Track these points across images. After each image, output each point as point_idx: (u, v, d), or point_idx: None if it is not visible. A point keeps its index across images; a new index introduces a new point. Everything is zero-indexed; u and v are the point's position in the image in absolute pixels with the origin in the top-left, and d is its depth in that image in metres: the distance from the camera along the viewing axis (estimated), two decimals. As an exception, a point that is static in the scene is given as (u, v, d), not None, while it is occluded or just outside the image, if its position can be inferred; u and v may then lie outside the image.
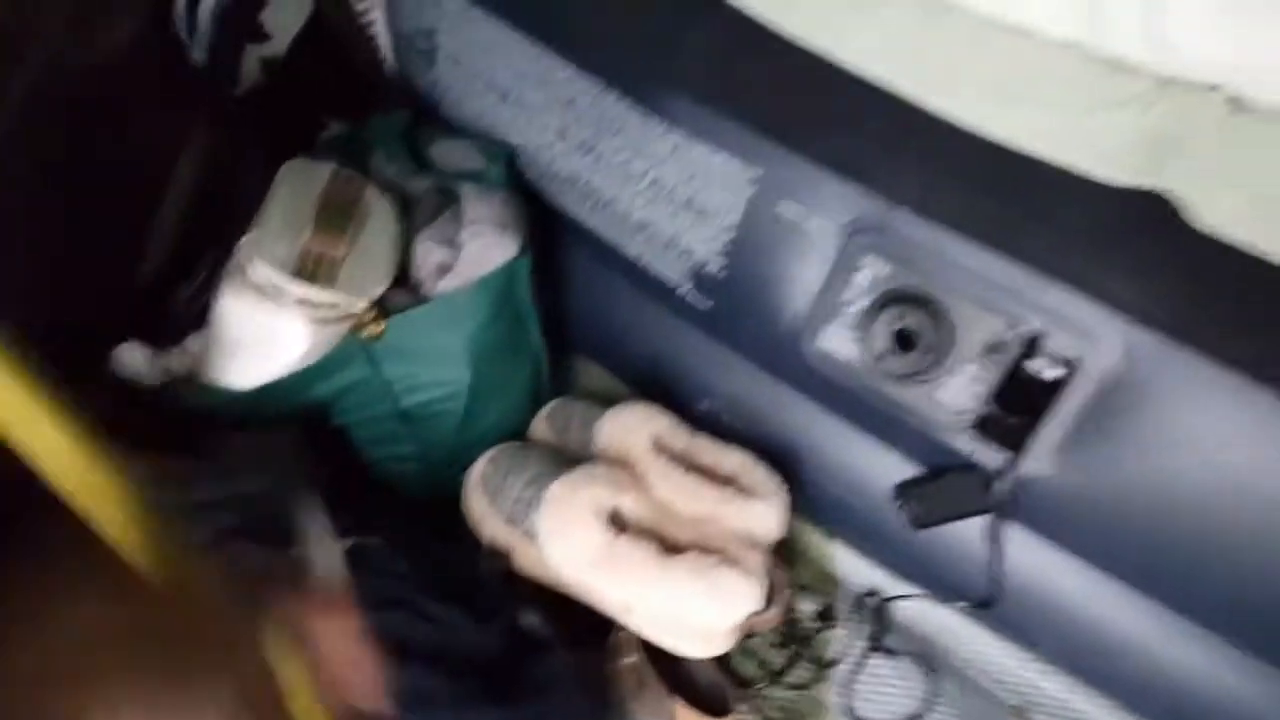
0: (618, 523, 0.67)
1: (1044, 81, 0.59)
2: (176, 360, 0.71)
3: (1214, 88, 0.57)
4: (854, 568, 0.82)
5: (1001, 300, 0.60)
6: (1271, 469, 0.56)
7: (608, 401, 0.76)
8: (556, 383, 0.86)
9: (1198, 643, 0.67)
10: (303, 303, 0.65)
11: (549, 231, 0.79)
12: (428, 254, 0.71)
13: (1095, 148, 0.57)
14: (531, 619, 0.63)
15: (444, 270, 0.70)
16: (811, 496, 0.77)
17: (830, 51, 0.63)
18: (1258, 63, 0.55)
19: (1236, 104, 0.57)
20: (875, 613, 0.79)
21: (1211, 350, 0.55)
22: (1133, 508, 0.60)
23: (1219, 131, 0.56)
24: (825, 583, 0.83)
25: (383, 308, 0.69)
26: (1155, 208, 0.56)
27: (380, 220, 0.71)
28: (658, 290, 0.74)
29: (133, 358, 0.70)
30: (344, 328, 0.67)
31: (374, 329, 0.67)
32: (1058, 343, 0.59)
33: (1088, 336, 0.58)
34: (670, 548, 0.68)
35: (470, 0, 0.72)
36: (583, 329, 0.83)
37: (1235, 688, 0.67)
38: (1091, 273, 0.58)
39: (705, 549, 0.67)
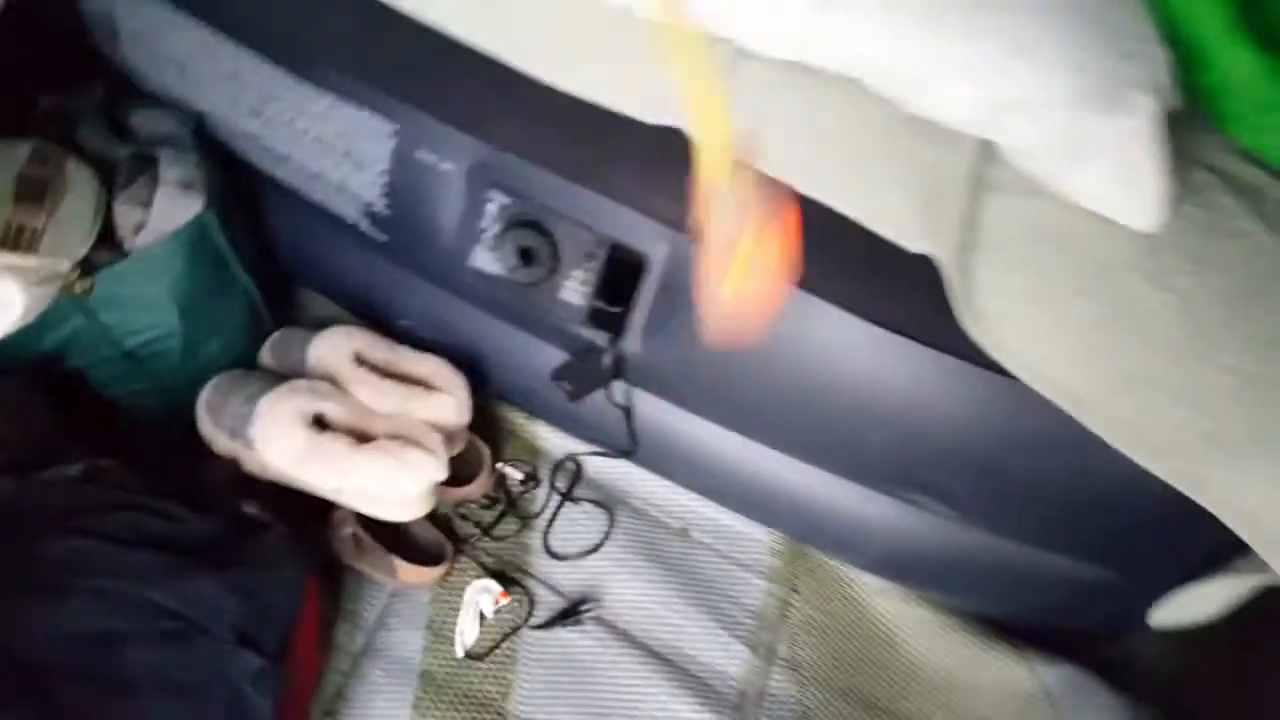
0: (321, 424, 0.83)
1: (600, 41, 0.75)
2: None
3: (725, 40, 0.74)
4: (550, 439, 1.01)
5: (589, 220, 0.77)
6: (788, 338, 0.76)
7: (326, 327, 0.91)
8: (286, 313, 0.99)
9: (791, 466, 0.89)
10: (10, 269, 0.75)
11: (250, 182, 0.91)
12: (126, 215, 0.82)
13: (640, 96, 0.74)
14: (251, 508, 0.79)
15: (141, 228, 0.81)
16: (502, 386, 0.95)
17: (441, 25, 0.76)
18: (748, 21, 0.72)
19: (740, 55, 0.74)
20: (567, 471, 0.99)
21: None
22: (704, 371, 0.81)
23: (729, 77, 0.74)
24: (531, 453, 1.02)
25: (89, 266, 0.80)
26: (684, 141, 0.74)
27: (81, 189, 0.81)
28: (344, 228, 0.87)
29: None
30: (55, 287, 0.78)
31: (83, 285, 0.79)
32: (631, 250, 0.77)
33: (649, 244, 0.76)
34: (371, 439, 0.84)
35: (135, -15, 0.81)
36: (297, 265, 0.96)
37: (823, 494, 0.90)
38: (647, 194, 0.76)
39: (398, 437, 0.84)
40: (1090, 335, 0.65)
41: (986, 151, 0.70)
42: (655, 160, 0.75)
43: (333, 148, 0.81)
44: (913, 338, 0.71)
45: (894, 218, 0.69)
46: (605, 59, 0.75)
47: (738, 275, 0.46)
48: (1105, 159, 0.64)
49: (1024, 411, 0.69)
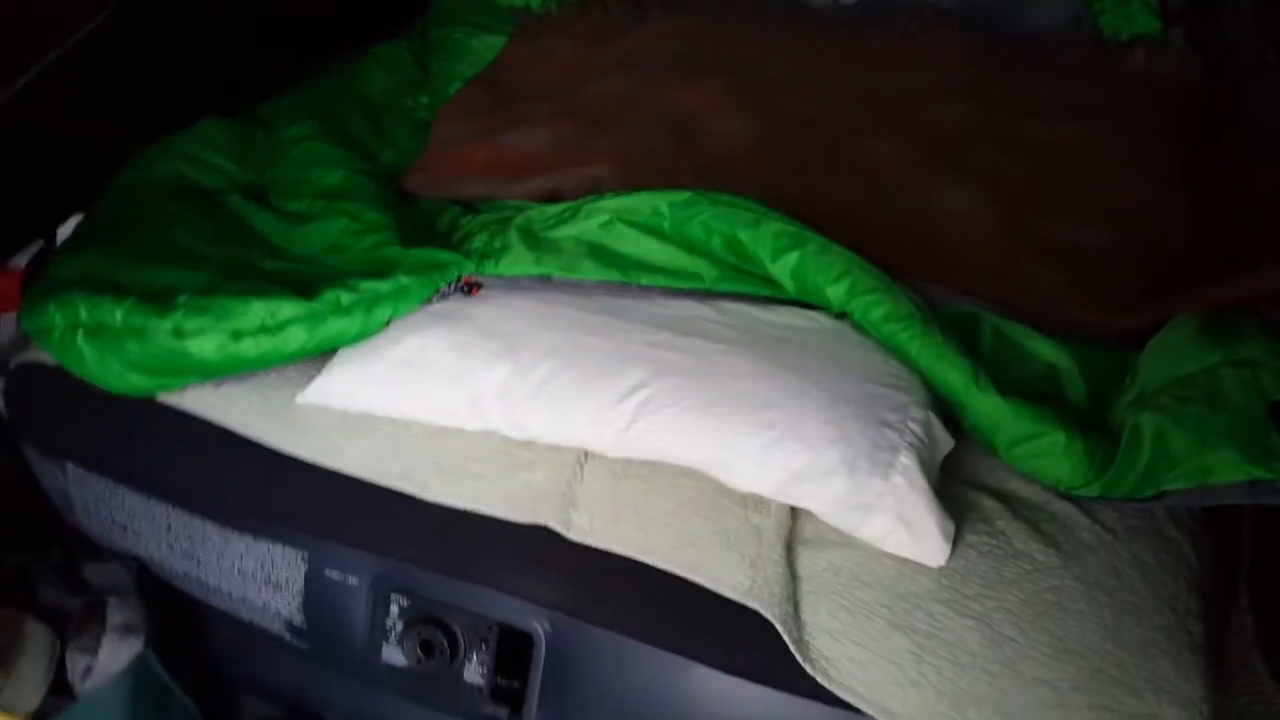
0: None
1: (470, 461, 0.89)
2: None
3: (572, 450, 0.88)
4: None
5: (479, 608, 0.87)
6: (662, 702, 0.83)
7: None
8: (231, 714, 1.06)
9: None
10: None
11: (189, 610, 1.01)
12: (76, 661, 0.92)
13: (507, 501, 0.86)
14: None
15: (89, 672, 0.91)
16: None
17: (341, 468, 0.90)
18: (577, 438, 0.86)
19: (586, 455, 0.88)
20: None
21: (603, 622, 0.83)
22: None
23: (578, 478, 0.87)
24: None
25: (39, 714, 0.88)
26: (551, 534, 0.85)
27: (35, 650, 0.91)
28: (272, 639, 0.97)
29: None
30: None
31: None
32: (519, 630, 0.86)
33: (533, 622, 0.85)
34: None
35: (85, 468, 0.97)
36: (235, 674, 1.05)
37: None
38: (524, 581, 0.86)
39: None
40: (911, 663, 0.72)
41: (797, 512, 0.81)
42: (526, 552, 0.86)
43: (254, 577, 0.92)
44: (767, 683, 0.77)
45: (729, 580, 0.78)
46: (476, 475, 0.88)
47: None
48: (884, 511, 0.75)
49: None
